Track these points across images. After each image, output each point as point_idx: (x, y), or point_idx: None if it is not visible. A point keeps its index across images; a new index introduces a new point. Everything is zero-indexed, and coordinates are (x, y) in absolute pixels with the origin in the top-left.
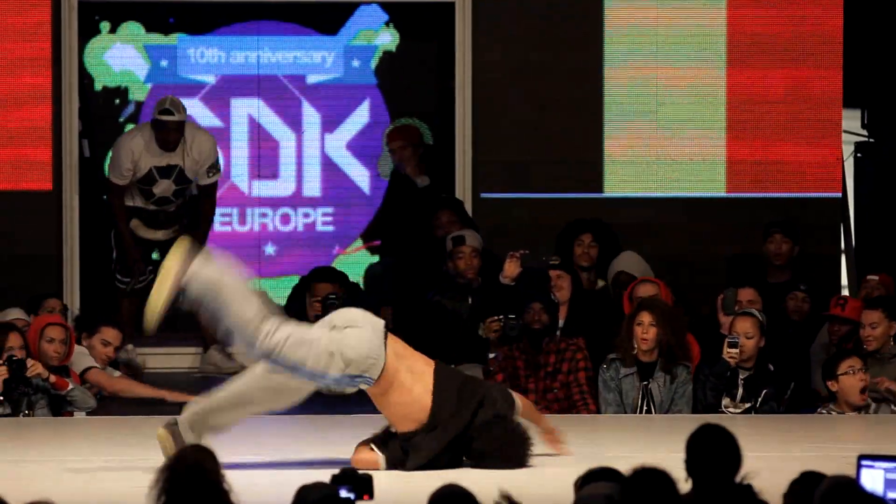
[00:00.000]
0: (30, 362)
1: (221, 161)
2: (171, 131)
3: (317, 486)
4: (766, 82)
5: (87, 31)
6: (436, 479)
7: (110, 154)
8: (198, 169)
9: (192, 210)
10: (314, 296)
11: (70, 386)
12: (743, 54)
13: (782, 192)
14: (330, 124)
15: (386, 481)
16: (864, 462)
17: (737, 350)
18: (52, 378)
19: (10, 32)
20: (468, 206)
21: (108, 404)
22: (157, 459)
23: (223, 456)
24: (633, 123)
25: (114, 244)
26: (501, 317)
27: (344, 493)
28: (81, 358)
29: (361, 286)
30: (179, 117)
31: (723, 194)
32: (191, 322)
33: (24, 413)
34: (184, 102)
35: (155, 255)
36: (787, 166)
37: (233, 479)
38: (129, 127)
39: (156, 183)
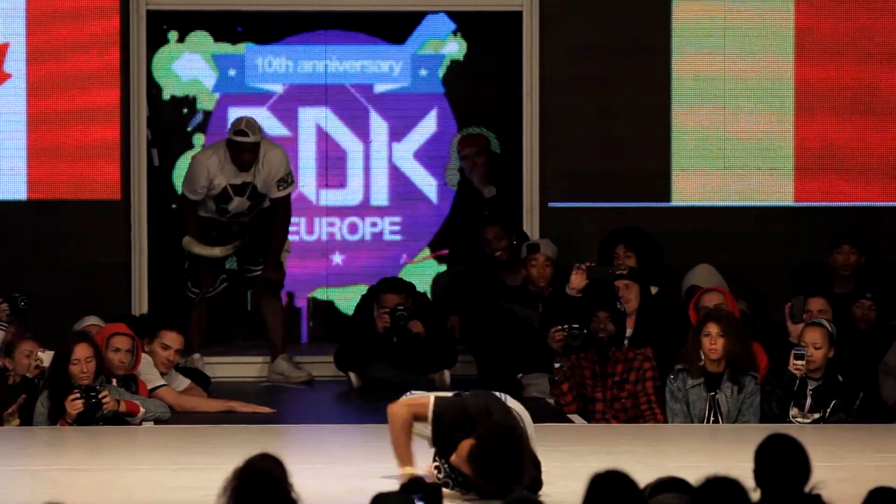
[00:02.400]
0: (104, 397)
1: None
2: (245, 152)
3: (391, 496)
4: (835, 83)
5: (156, 41)
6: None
7: (186, 170)
8: (269, 182)
9: (262, 222)
10: (382, 307)
11: (141, 411)
12: (811, 53)
13: (849, 202)
14: (397, 133)
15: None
16: None
17: (803, 362)
18: (123, 407)
19: (80, 43)
20: (535, 216)
21: (179, 412)
22: (227, 468)
23: (291, 465)
24: (701, 132)
25: (186, 255)
26: (565, 326)
27: (416, 503)
28: (150, 371)
29: (429, 295)
30: (254, 139)
31: (791, 203)
32: (258, 331)
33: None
34: (251, 111)
35: (228, 265)
36: (853, 175)
37: (301, 487)
38: (198, 136)
39: (230, 201)
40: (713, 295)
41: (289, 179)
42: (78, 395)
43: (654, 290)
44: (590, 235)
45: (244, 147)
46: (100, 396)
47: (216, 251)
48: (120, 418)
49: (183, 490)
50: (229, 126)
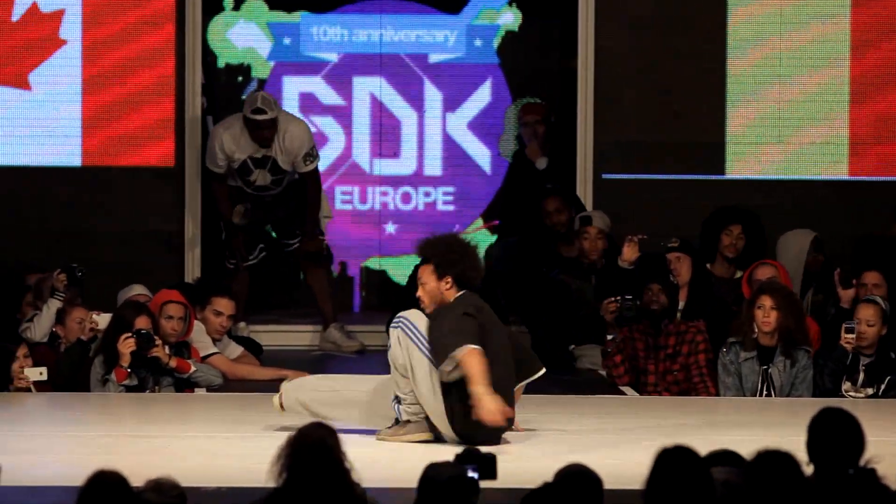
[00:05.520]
0: (156, 339)
1: (343, 143)
2: (264, 129)
3: (445, 466)
4: (892, 56)
5: (211, 9)
6: (559, 460)
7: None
8: (292, 159)
9: (297, 195)
10: None
11: (192, 369)
12: (868, 32)
13: None
14: (452, 103)
15: (509, 461)
16: None
17: (853, 335)
18: (174, 363)
19: (135, 9)
20: (588, 188)
21: (231, 380)
22: (279, 436)
23: (344, 433)
24: (756, 105)
25: (223, 226)
26: (618, 298)
27: (468, 473)
28: (202, 338)
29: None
30: (271, 115)
31: (845, 177)
32: (310, 300)
33: (150, 389)
34: (306, 80)
35: (274, 233)
36: None
37: (354, 456)
38: None
39: (252, 173)
40: (766, 268)
41: (314, 153)
42: (130, 335)
43: (738, 274)
44: (643, 207)
45: (263, 124)
46: (154, 340)
47: (235, 219)
48: (170, 371)
49: (235, 458)
50: (244, 101)
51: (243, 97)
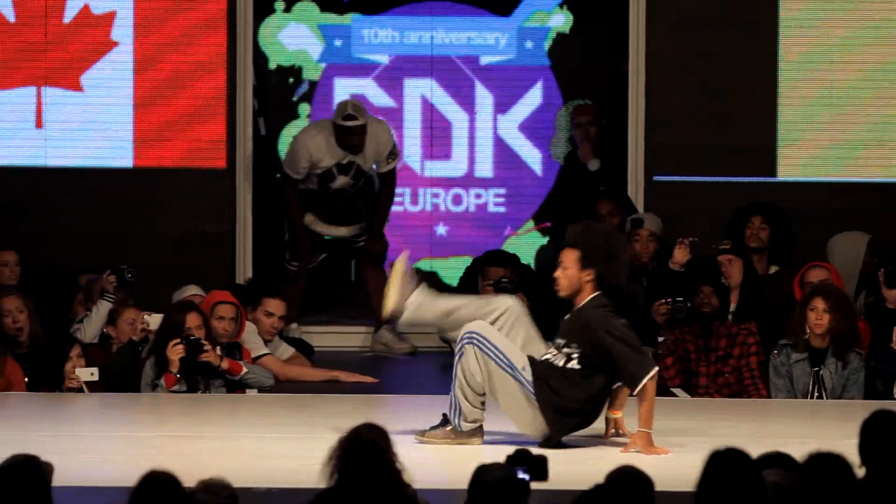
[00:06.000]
0: (206, 345)
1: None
2: (354, 135)
3: (496, 467)
4: None
5: (262, 11)
6: (611, 461)
7: (287, 150)
8: (377, 159)
9: (367, 195)
10: (486, 279)
11: (244, 370)
12: None
13: None
14: (503, 105)
15: (560, 463)
16: None
17: None
18: (225, 364)
19: (187, 12)
20: (639, 190)
21: (282, 381)
22: (331, 437)
23: (395, 435)
24: (808, 107)
25: (286, 228)
26: (669, 300)
27: (519, 475)
28: (254, 339)
29: (532, 268)
30: (363, 121)
31: None
32: (361, 301)
33: (201, 391)
34: (357, 82)
35: (328, 236)
36: None
37: (405, 457)
38: (304, 106)
39: (334, 180)
40: (819, 270)
41: (396, 151)
42: (179, 341)
43: (773, 268)
44: (695, 210)
45: (354, 130)
46: (202, 345)
47: (342, 231)
48: (221, 373)
49: (286, 459)
50: (334, 109)
51: (294, 98)
